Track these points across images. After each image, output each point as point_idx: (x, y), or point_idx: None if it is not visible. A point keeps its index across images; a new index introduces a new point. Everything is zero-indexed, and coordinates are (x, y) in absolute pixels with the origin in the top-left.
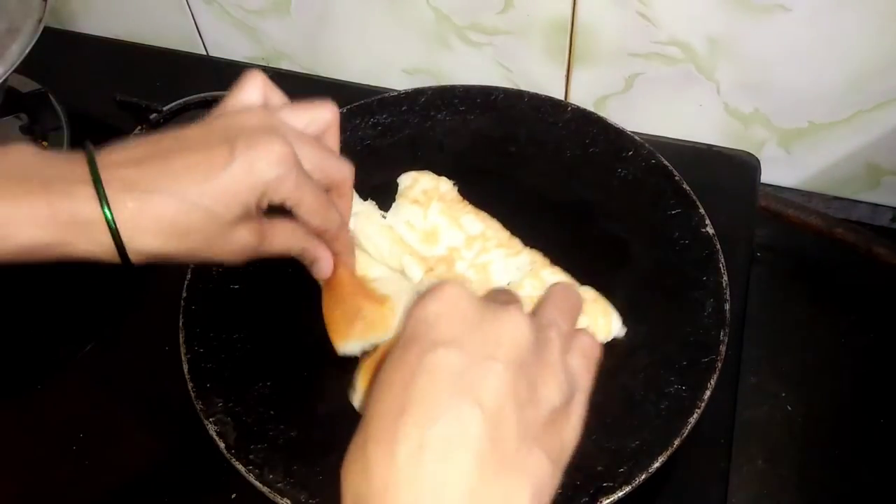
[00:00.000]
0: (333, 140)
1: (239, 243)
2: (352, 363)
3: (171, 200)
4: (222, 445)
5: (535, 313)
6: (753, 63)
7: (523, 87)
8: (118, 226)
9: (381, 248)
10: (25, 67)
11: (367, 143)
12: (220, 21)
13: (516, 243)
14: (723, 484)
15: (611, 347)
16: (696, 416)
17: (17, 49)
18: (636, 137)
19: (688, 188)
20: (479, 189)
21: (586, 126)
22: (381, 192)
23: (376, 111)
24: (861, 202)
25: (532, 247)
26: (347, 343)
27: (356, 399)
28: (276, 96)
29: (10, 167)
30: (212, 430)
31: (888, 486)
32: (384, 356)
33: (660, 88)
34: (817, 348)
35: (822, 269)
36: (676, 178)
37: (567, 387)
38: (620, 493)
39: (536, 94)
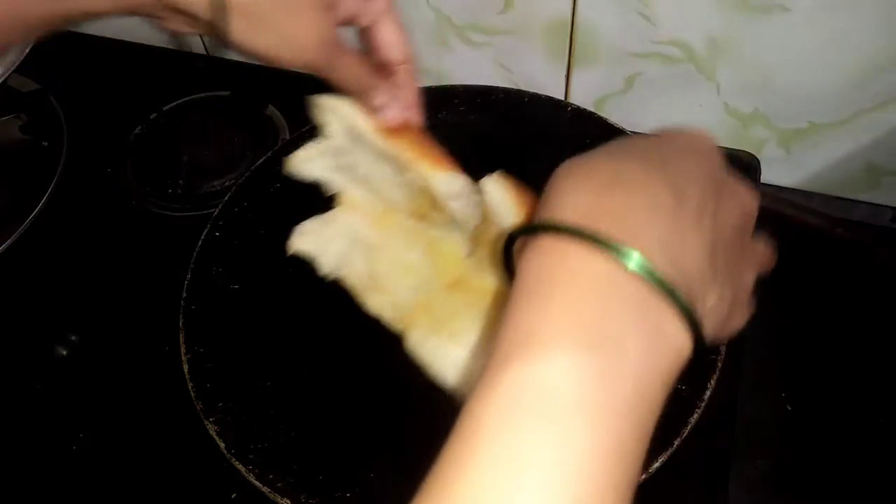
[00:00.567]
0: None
1: (315, 31)
2: (352, 362)
3: None
4: (222, 445)
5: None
6: (753, 63)
7: (523, 87)
8: None
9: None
10: (25, 67)
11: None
12: None
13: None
14: (723, 484)
15: None
16: (696, 416)
17: (17, 49)
18: None
19: None
20: None
21: (586, 126)
22: None
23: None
24: (861, 202)
25: None
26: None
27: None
28: None
29: None
30: (212, 430)
31: (888, 486)
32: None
33: (660, 88)
34: (817, 348)
35: (822, 269)
36: None
37: (753, 280)
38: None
39: (536, 94)
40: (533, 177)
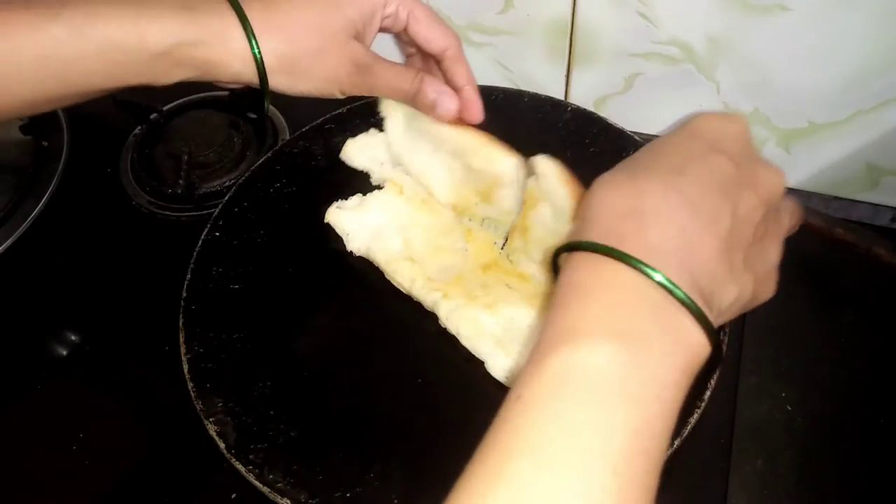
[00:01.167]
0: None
1: (350, 52)
2: (351, 362)
3: (302, 5)
4: (222, 445)
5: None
6: (753, 63)
7: (523, 87)
8: (252, 25)
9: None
10: None
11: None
12: None
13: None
14: (723, 484)
15: None
16: (696, 416)
17: None
18: (636, 137)
19: None
20: None
21: (586, 126)
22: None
23: (376, 111)
24: (861, 202)
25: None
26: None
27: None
28: None
29: None
30: (212, 430)
31: (888, 486)
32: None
33: (660, 88)
34: (817, 348)
35: (822, 269)
36: None
37: (779, 254)
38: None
39: (536, 94)
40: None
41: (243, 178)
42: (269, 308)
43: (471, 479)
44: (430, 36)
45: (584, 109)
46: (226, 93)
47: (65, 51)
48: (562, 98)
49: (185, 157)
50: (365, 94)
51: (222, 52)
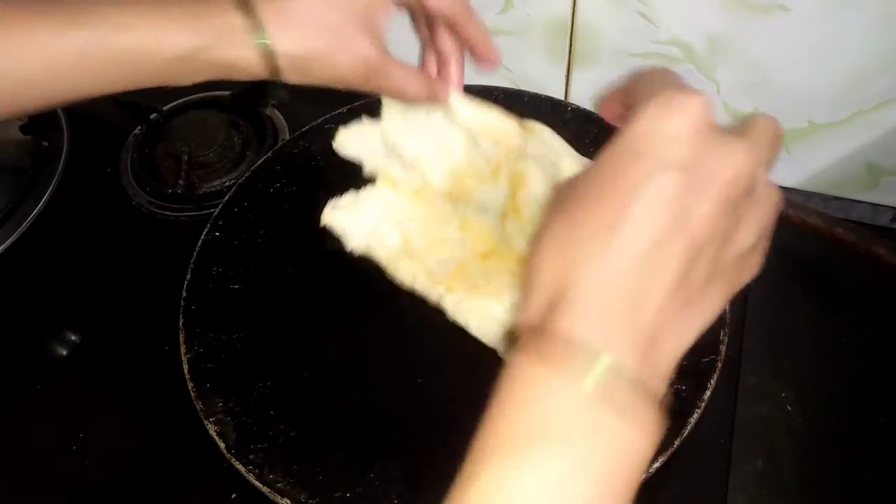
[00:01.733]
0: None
1: (362, 52)
2: (351, 362)
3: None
4: (222, 445)
5: (751, 147)
6: (753, 63)
7: (523, 87)
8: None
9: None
10: None
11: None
12: None
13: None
14: (723, 484)
15: None
16: (696, 416)
17: None
18: None
19: None
20: None
21: (586, 126)
22: None
23: (377, 111)
24: (861, 202)
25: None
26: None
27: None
28: None
29: None
30: (212, 430)
31: (888, 486)
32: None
33: None
34: (817, 348)
35: (822, 269)
36: None
37: (764, 231)
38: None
39: (536, 94)
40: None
41: (243, 178)
42: (269, 308)
43: None
44: (440, 5)
45: (584, 109)
46: (226, 93)
47: (85, 58)
48: (562, 98)
49: (185, 157)
50: (372, 92)
51: (238, 55)
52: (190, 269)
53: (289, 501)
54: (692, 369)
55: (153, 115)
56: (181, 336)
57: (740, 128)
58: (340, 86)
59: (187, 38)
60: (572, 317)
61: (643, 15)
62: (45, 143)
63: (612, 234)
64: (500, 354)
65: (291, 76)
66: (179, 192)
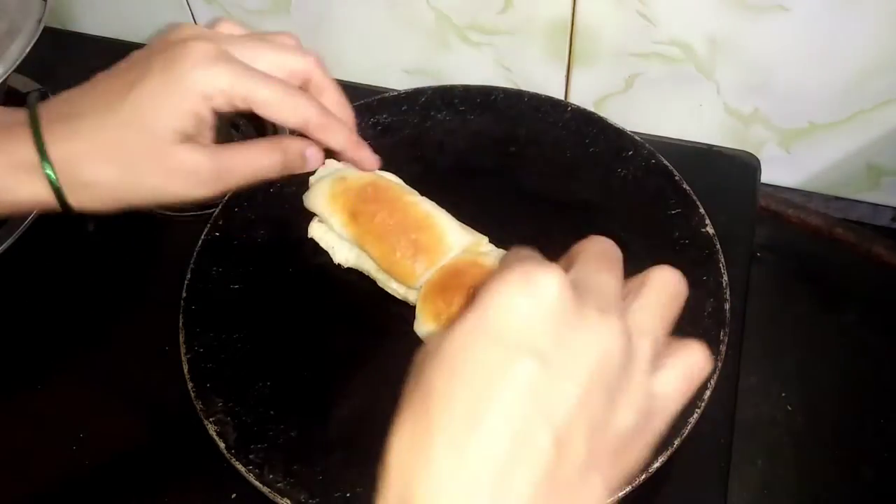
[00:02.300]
0: (327, 94)
1: (189, 165)
2: (352, 362)
3: (102, 121)
4: (222, 445)
5: (632, 312)
6: (753, 63)
7: (523, 87)
8: (53, 159)
9: None
10: (25, 67)
11: (367, 143)
12: None
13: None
14: (723, 484)
15: None
16: (696, 416)
17: (17, 49)
18: (636, 137)
19: (688, 188)
20: (480, 189)
21: (586, 126)
22: None
23: (376, 111)
24: (861, 202)
25: (532, 247)
26: (421, 279)
27: (420, 327)
28: (236, 29)
29: None
30: (212, 430)
31: (888, 486)
32: (444, 281)
33: (660, 88)
34: (817, 348)
35: (822, 269)
36: (676, 178)
37: (646, 411)
38: (620, 493)
39: (536, 94)
40: (532, 177)
41: None
42: (269, 308)
43: None
44: (281, 118)
45: (584, 109)
46: None
47: None
48: (562, 98)
49: None
50: (228, 190)
51: (30, 193)
52: (190, 269)
53: (289, 501)
54: None
55: None
56: (181, 336)
57: (633, 285)
58: (176, 201)
59: None
60: None
61: (643, 15)
62: None
63: (467, 434)
64: None
65: (107, 207)
66: None
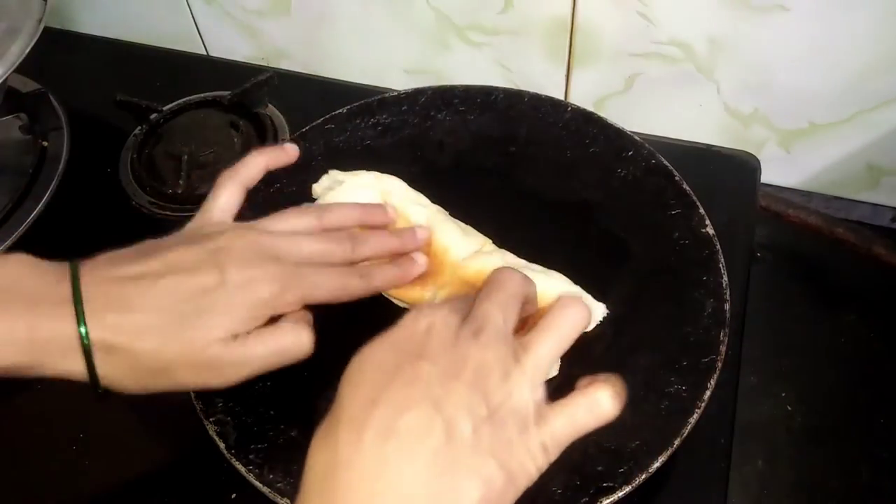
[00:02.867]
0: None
1: (207, 361)
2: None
3: (157, 322)
4: (222, 445)
5: (528, 340)
6: (753, 63)
7: (523, 87)
8: (93, 344)
9: None
10: (25, 67)
11: (367, 144)
12: (220, 21)
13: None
14: (723, 484)
15: (610, 347)
16: (696, 416)
17: (17, 49)
18: (636, 137)
19: (688, 188)
20: (479, 189)
21: (586, 126)
22: None
23: (376, 111)
24: (861, 202)
25: (531, 246)
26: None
27: None
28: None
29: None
30: (212, 430)
31: (888, 486)
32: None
33: (660, 88)
34: (817, 348)
35: (822, 269)
36: (676, 178)
37: (523, 413)
38: (620, 493)
39: (536, 94)
40: (532, 177)
41: None
42: None
43: None
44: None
45: (584, 109)
46: (226, 93)
47: None
48: (562, 98)
49: (185, 157)
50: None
51: (68, 370)
52: None
53: (289, 501)
54: (692, 369)
55: (153, 115)
56: None
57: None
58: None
59: (13, 355)
60: None
61: (643, 15)
62: (45, 143)
63: (363, 419)
64: None
65: (129, 392)
66: (179, 192)
